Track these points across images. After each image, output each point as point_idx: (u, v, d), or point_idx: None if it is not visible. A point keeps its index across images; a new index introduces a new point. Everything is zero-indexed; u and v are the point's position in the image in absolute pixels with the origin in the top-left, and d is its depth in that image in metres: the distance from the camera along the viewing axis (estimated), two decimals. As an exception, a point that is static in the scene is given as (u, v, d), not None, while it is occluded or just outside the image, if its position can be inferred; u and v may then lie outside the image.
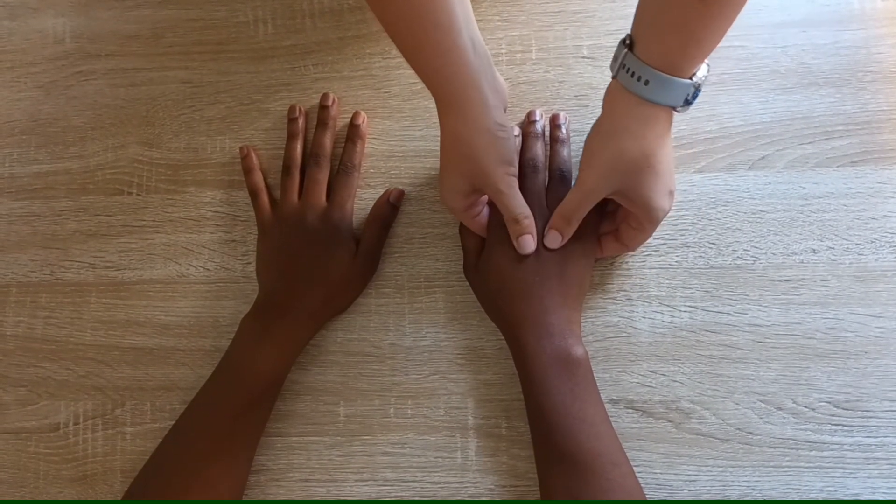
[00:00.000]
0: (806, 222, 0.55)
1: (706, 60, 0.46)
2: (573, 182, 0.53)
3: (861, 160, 0.56)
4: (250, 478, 0.54)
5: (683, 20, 0.42)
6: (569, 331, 0.50)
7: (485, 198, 0.54)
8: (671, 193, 0.50)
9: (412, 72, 0.60)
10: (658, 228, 0.55)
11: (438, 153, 0.51)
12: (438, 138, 0.58)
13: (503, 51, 0.60)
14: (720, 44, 0.58)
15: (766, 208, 0.56)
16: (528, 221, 0.51)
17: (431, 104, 0.59)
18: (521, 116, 0.59)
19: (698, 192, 0.56)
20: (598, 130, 0.49)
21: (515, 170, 0.51)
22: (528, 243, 0.51)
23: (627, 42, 0.46)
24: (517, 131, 0.57)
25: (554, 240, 0.51)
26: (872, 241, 0.54)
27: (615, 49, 0.47)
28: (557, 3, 0.61)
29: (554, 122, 0.57)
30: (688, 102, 0.46)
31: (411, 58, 0.48)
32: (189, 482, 0.50)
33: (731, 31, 0.58)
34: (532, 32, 0.61)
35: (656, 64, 0.44)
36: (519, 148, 0.55)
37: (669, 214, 0.56)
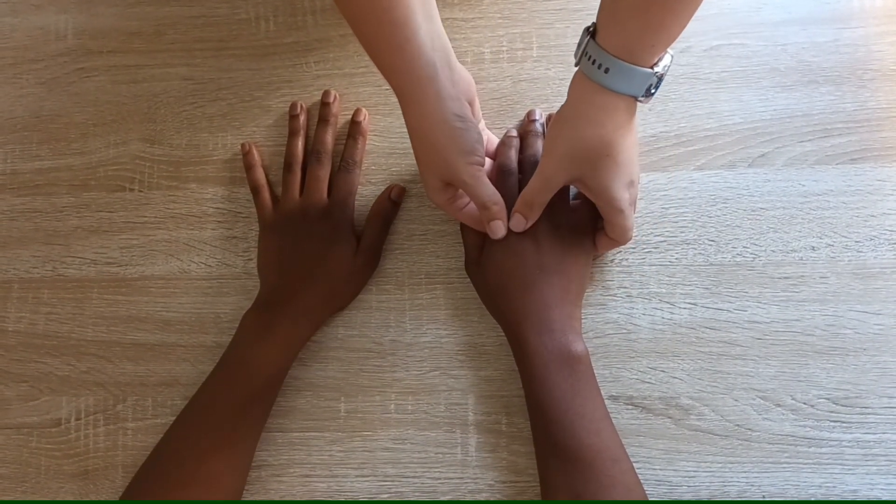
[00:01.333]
0: (805, 220, 0.55)
1: (669, 50, 0.45)
2: None
3: (860, 158, 0.56)
4: (251, 473, 0.54)
5: (644, 6, 0.42)
6: (569, 327, 0.50)
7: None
8: (632, 183, 0.50)
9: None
10: (658, 226, 0.56)
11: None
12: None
13: (504, 48, 0.60)
14: (720, 42, 0.59)
15: (765, 205, 0.56)
16: (497, 208, 0.51)
17: (432, 101, 0.60)
18: (522, 114, 0.59)
19: (698, 190, 0.56)
20: (559, 117, 0.49)
21: (481, 159, 0.50)
22: (499, 228, 0.51)
23: (591, 29, 0.46)
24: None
25: (518, 223, 0.52)
26: (871, 239, 0.55)
27: (581, 36, 0.47)
28: (559, 1, 0.61)
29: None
30: (650, 93, 0.46)
31: (371, 53, 0.49)
32: (190, 478, 0.50)
33: (731, 29, 0.59)
34: (533, 30, 0.61)
35: (616, 52, 0.44)
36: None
37: (669, 211, 0.56)
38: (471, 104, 0.51)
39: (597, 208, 0.52)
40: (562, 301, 0.51)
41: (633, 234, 0.53)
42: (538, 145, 0.56)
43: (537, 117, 0.57)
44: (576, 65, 0.47)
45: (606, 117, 0.46)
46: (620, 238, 0.52)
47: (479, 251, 0.54)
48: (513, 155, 0.56)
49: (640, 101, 0.47)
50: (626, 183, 0.49)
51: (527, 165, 0.55)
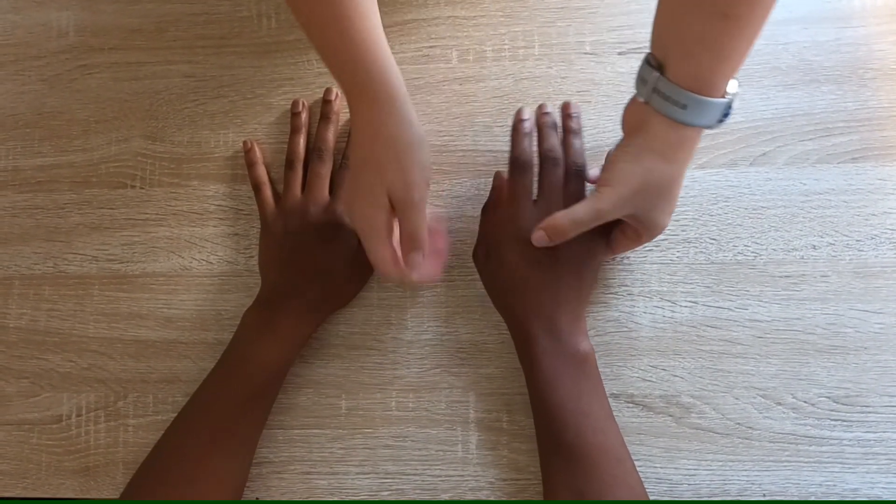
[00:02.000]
0: (806, 218, 0.55)
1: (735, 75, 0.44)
2: (587, 180, 0.53)
3: (862, 157, 0.56)
4: (252, 470, 0.54)
5: (715, 36, 0.41)
6: (577, 327, 0.51)
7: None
8: (672, 211, 0.49)
9: (415, 67, 0.61)
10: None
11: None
12: (440, 133, 0.59)
13: (506, 46, 0.61)
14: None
15: (766, 204, 0.56)
16: (421, 243, 0.48)
17: (433, 99, 0.60)
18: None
19: (700, 188, 0.57)
20: (627, 151, 0.46)
21: (429, 184, 0.48)
22: (416, 260, 0.48)
23: (653, 63, 0.44)
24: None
25: (540, 240, 0.49)
26: (872, 238, 0.55)
27: (640, 69, 0.45)
28: (560, -1, 0.61)
29: (566, 112, 0.56)
30: (721, 120, 0.44)
31: (325, 52, 0.47)
32: (191, 474, 0.50)
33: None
34: (535, 28, 0.61)
35: (691, 86, 0.42)
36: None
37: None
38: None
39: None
40: (572, 301, 0.51)
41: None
42: (554, 138, 0.54)
43: (549, 109, 0.56)
44: (644, 101, 0.45)
45: (680, 152, 0.45)
46: (639, 244, 0.52)
47: (491, 243, 0.54)
48: (527, 146, 0.54)
49: (710, 129, 0.45)
50: (671, 211, 0.48)
51: (547, 162, 0.53)
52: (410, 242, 0.48)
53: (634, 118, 0.47)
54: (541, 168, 0.54)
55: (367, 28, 0.46)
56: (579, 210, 0.48)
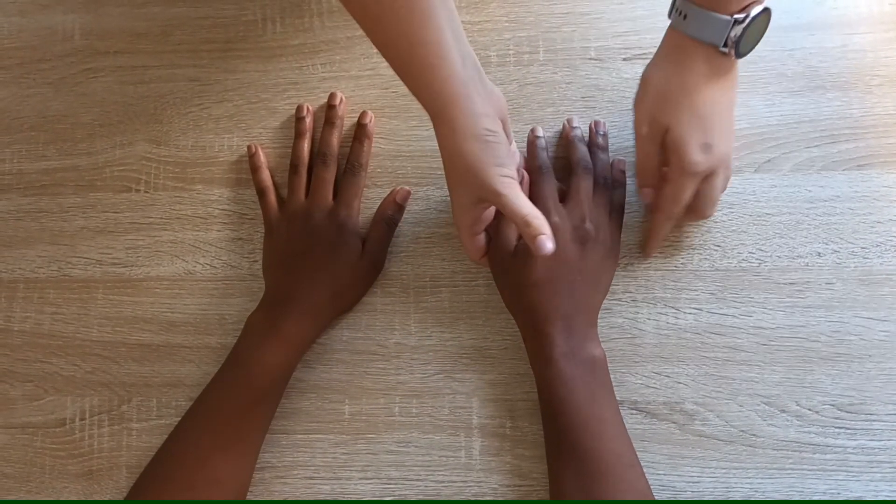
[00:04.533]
0: (811, 225, 0.55)
1: (765, 4, 0.47)
2: (612, 190, 0.55)
3: (867, 164, 0.56)
4: (255, 475, 0.54)
5: None
6: (591, 332, 0.51)
7: (488, 214, 0.53)
8: (708, 147, 0.49)
9: (420, 72, 0.61)
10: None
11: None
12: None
13: (511, 52, 0.60)
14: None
15: (771, 211, 0.56)
16: (539, 222, 0.46)
17: (438, 104, 0.60)
18: (528, 117, 0.59)
19: (704, 195, 0.56)
20: (648, 69, 0.52)
21: (513, 173, 0.48)
22: (545, 244, 0.45)
23: None
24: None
25: (647, 195, 0.55)
26: (878, 245, 0.54)
27: None
28: (565, 5, 0.61)
29: (596, 129, 0.58)
30: (733, 44, 0.47)
31: (402, 75, 0.48)
32: (194, 479, 0.50)
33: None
34: (540, 34, 0.61)
35: (702, 2, 0.47)
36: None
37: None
38: (503, 122, 0.50)
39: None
40: (589, 306, 0.52)
41: (712, 213, 0.54)
42: (584, 149, 0.56)
43: (577, 124, 0.58)
44: (669, 16, 0.50)
45: (689, 61, 0.49)
46: (671, 208, 0.52)
47: (511, 245, 0.53)
48: (544, 155, 0.56)
49: (725, 53, 0.48)
50: (702, 143, 0.49)
51: (580, 170, 0.55)
52: (525, 229, 0.47)
53: (663, 39, 0.51)
54: (573, 175, 0.55)
55: (440, 54, 0.46)
56: (637, 154, 0.54)
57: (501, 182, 0.47)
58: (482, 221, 0.52)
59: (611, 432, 0.48)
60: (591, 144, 0.57)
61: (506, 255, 0.53)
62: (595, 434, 0.48)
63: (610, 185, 0.55)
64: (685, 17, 0.47)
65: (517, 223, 0.47)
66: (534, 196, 0.54)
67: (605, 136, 0.57)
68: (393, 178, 0.59)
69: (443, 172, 0.58)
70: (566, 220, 0.53)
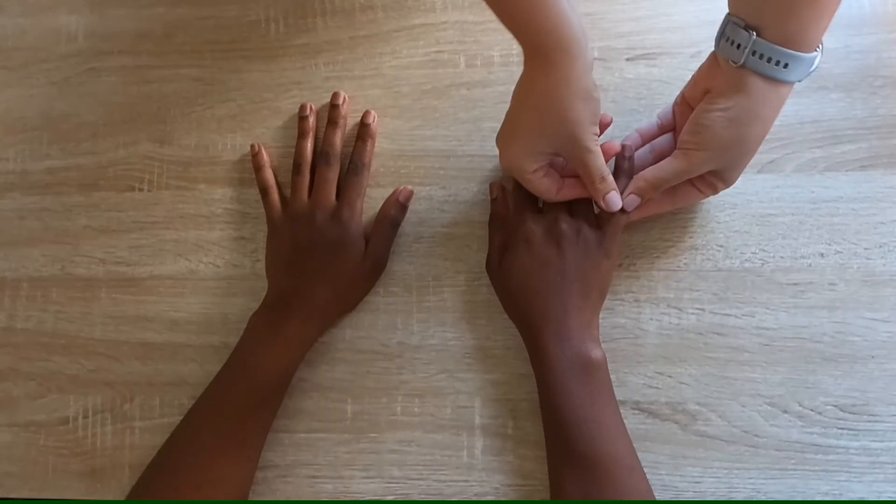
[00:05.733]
0: (814, 226, 0.55)
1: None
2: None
3: (870, 164, 0.56)
4: (257, 474, 0.54)
5: None
6: (588, 334, 0.51)
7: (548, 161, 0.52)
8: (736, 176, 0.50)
9: (423, 72, 0.61)
10: (667, 231, 0.56)
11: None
12: (448, 138, 0.59)
13: (514, 51, 0.60)
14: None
15: (774, 212, 0.56)
16: (611, 179, 0.50)
17: (441, 104, 0.60)
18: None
19: (707, 195, 0.56)
20: (722, 115, 0.46)
21: (598, 129, 0.50)
22: (616, 199, 0.50)
23: (743, 25, 0.45)
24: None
25: (632, 202, 0.51)
26: (881, 246, 0.54)
27: (727, 32, 0.45)
28: (568, 5, 0.61)
29: (623, 153, 0.54)
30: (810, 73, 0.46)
31: (510, 13, 0.46)
32: (197, 477, 0.50)
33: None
34: (542, 34, 0.61)
35: (790, 44, 0.44)
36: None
37: (678, 216, 0.56)
38: None
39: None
40: (581, 308, 0.51)
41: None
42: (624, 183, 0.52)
43: (628, 154, 0.53)
44: (739, 64, 0.45)
45: (775, 111, 0.47)
46: (709, 195, 0.52)
47: (502, 252, 0.54)
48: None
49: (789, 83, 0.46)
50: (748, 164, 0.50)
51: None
52: (600, 185, 0.50)
53: (722, 82, 0.47)
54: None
55: None
56: (665, 168, 0.50)
57: (593, 139, 0.49)
58: (545, 168, 0.52)
59: (608, 435, 0.48)
60: (618, 168, 0.54)
61: (494, 266, 0.54)
62: (592, 437, 0.47)
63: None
64: (786, 66, 0.44)
65: (593, 178, 0.50)
66: (517, 201, 0.55)
67: (630, 159, 0.53)
68: (396, 178, 0.59)
69: (445, 173, 0.59)
70: (538, 223, 0.53)
